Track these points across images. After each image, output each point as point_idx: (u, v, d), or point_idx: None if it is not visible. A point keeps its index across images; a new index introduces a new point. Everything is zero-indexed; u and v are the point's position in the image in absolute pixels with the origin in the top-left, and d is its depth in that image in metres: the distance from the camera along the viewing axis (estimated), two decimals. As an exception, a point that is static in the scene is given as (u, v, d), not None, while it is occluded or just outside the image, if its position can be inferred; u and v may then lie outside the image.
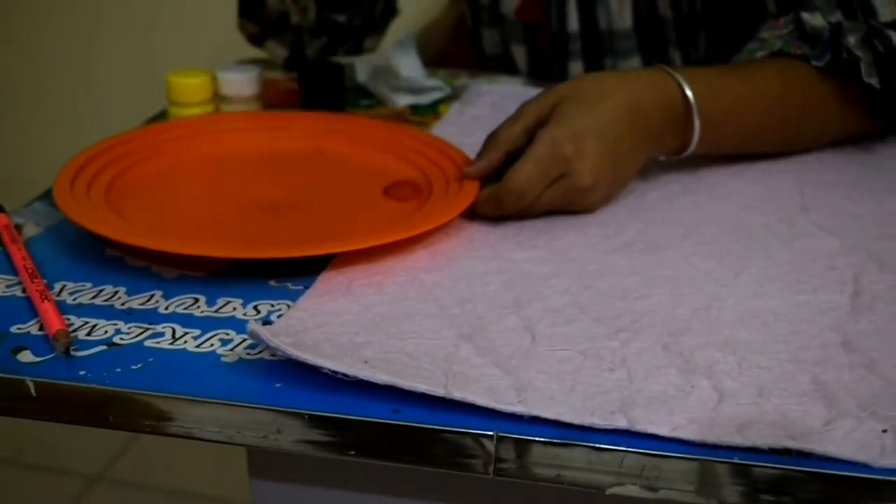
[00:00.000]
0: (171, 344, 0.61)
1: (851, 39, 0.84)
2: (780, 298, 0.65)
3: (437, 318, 0.62)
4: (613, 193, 0.78)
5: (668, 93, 0.80)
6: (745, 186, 0.81)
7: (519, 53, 1.10)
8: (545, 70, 1.07)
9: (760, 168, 0.84)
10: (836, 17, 0.85)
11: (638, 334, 0.60)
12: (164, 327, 0.62)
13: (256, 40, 1.07)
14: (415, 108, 0.97)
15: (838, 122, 0.88)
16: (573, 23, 1.03)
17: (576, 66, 1.04)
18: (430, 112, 0.96)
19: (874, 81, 0.83)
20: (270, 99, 0.95)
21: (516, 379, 0.56)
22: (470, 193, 0.74)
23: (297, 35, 1.03)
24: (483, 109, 0.96)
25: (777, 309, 0.63)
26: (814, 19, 0.86)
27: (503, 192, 0.74)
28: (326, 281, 0.66)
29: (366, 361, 0.57)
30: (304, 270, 0.67)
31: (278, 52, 1.06)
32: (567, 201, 0.76)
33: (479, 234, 0.73)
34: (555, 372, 0.57)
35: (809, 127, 0.87)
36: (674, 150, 0.83)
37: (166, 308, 0.64)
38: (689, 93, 0.80)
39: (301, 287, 0.66)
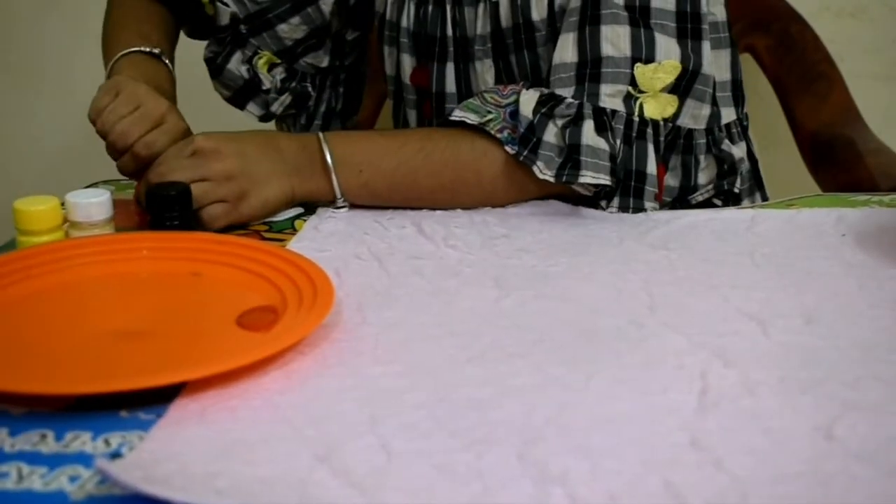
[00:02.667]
0: (17, 484, 0.59)
1: (551, 136, 0.96)
2: (630, 401, 0.66)
3: (292, 441, 0.62)
4: (247, 190, 0.96)
5: (305, 139, 1.01)
6: (595, 290, 0.83)
7: (412, 119, 1.17)
8: None
9: (611, 270, 0.86)
10: (566, 92, 0.98)
11: (492, 446, 0.61)
12: (9, 467, 0.60)
13: (233, 102, 1.24)
14: (271, 226, 0.98)
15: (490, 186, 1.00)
16: (450, 85, 1.11)
17: None
18: (287, 228, 0.97)
19: (549, 176, 0.95)
20: (121, 222, 0.95)
21: (372, 499, 0.56)
22: (323, 311, 0.74)
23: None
24: (339, 224, 0.97)
25: (628, 411, 0.65)
26: (526, 105, 0.97)
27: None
28: (179, 409, 0.65)
29: (218, 491, 0.56)
30: (157, 398, 0.66)
31: (254, 111, 1.23)
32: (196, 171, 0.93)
33: (333, 351, 0.73)
34: (410, 489, 0.57)
35: (459, 182, 1.00)
36: (326, 190, 0.99)
37: (12, 446, 0.62)
38: (321, 135, 0.99)
39: (153, 416, 0.65)
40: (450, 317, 0.78)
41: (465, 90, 1.12)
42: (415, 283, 0.84)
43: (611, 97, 0.97)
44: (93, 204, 0.90)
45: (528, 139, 0.96)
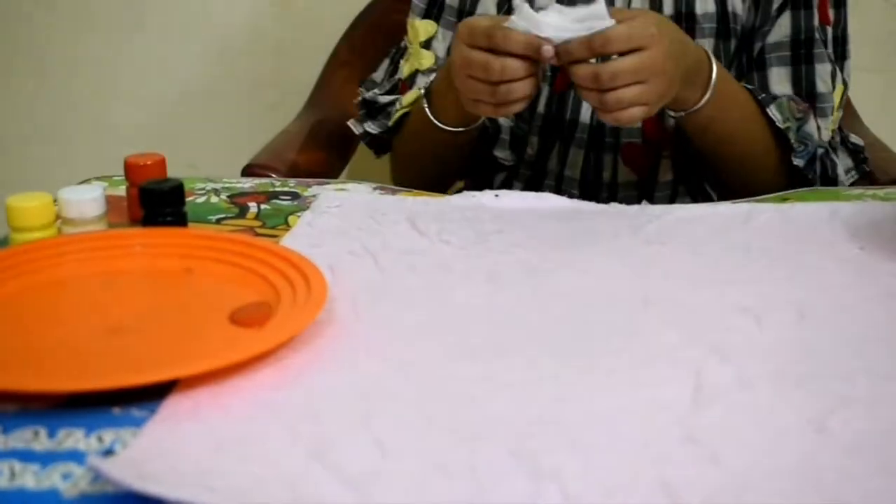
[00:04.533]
0: (10, 482, 0.58)
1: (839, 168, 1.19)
2: (624, 396, 0.66)
3: (285, 438, 0.61)
4: (665, 90, 1.00)
5: (700, 52, 1.08)
6: (589, 285, 0.83)
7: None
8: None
9: (605, 265, 0.86)
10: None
11: (486, 442, 0.61)
12: (1, 465, 0.60)
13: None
14: (265, 220, 0.97)
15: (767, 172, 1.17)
16: None
17: None
18: (280, 224, 0.97)
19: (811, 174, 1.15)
20: (114, 218, 0.95)
21: (365, 497, 0.56)
22: (317, 307, 0.74)
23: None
24: (332, 220, 0.96)
25: (622, 407, 0.65)
26: (819, 132, 1.16)
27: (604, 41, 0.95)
28: (172, 405, 0.65)
29: (211, 489, 0.56)
30: (150, 395, 0.66)
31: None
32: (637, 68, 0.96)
33: (327, 347, 0.73)
34: (403, 488, 0.57)
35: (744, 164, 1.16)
36: (691, 102, 1.07)
37: (5, 444, 0.62)
38: (714, 65, 1.07)
39: (146, 412, 0.65)
40: (443, 313, 0.78)
41: None
42: (408, 278, 0.84)
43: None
44: (85, 200, 0.90)
45: (813, 160, 1.16)
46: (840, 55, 1.21)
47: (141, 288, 0.82)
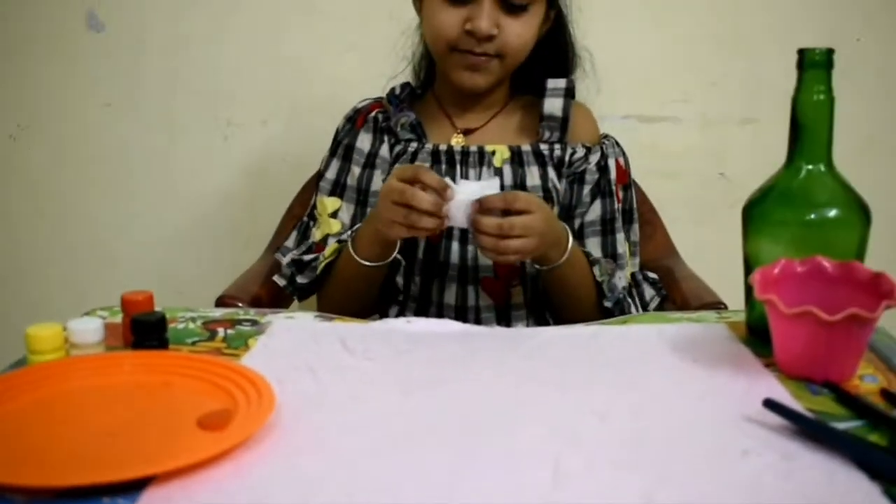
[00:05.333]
0: (16, 561, 0.56)
1: (646, 296, 1.28)
2: (500, 479, 0.65)
3: (238, 521, 0.60)
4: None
5: (564, 230, 1.16)
6: (478, 390, 0.82)
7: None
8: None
9: (490, 375, 0.86)
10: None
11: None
12: (10, 546, 0.58)
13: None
14: (230, 342, 0.96)
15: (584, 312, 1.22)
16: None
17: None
18: (241, 346, 0.96)
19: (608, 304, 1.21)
20: (112, 341, 0.93)
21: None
22: (266, 413, 0.73)
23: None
24: (282, 342, 0.96)
25: (497, 487, 0.64)
26: (621, 280, 1.24)
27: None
28: (150, 496, 0.63)
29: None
30: (133, 487, 0.64)
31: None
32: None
33: (275, 446, 0.71)
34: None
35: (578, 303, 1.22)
36: (553, 260, 1.15)
37: (14, 530, 0.60)
38: (570, 237, 1.16)
39: (129, 502, 0.63)
40: (366, 416, 0.77)
41: None
42: (339, 389, 0.83)
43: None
44: (88, 329, 0.89)
45: (618, 303, 1.22)
46: (628, 220, 1.31)
47: (129, 399, 0.80)
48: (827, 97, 0.90)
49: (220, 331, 1.00)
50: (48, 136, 1.87)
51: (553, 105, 1.27)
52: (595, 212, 1.28)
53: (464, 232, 1.22)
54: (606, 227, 1.28)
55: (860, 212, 0.91)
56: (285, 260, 1.30)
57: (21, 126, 1.87)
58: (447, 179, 1.06)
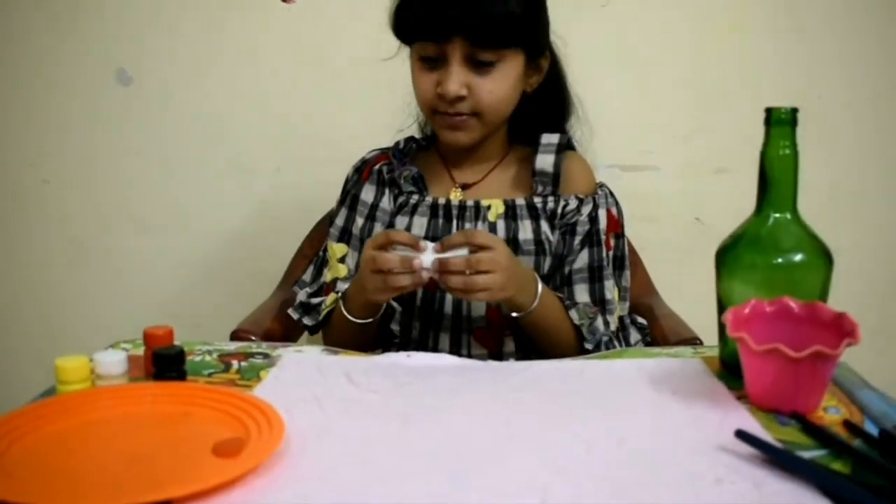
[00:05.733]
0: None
1: (632, 340, 1.26)
2: (493, 506, 0.66)
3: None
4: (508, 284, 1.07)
5: (532, 275, 1.14)
6: (472, 421, 0.82)
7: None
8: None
9: (483, 407, 0.86)
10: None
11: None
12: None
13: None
14: (243, 374, 0.97)
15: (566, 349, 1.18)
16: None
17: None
18: (254, 377, 0.96)
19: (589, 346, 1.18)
20: (135, 372, 0.93)
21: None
22: (276, 442, 0.73)
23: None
24: (293, 374, 0.96)
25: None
26: (608, 325, 1.22)
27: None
28: (168, 518, 0.64)
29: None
30: (154, 510, 0.64)
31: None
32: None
33: (282, 473, 0.71)
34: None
35: (558, 345, 1.18)
36: (525, 306, 1.12)
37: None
38: (539, 283, 1.14)
39: (150, 524, 0.63)
40: (368, 446, 0.77)
41: None
42: (343, 420, 0.83)
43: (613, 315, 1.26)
44: (113, 362, 0.89)
45: (599, 345, 1.19)
46: (619, 267, 1.28)
47: (151, 427, 0.81)
48: (792, 152, 0.91)
49: (235, 363, 1.00)
50: (78, 181, 1.88)
51: (545, 161, 1.25)
52: (583, 259, 1.25)
53: None
54: (594, 275, 1.25)
55: (823, 256, 0.92)
56: (300, 296, 1.31)
57: (53, 171, 1.88)
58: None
